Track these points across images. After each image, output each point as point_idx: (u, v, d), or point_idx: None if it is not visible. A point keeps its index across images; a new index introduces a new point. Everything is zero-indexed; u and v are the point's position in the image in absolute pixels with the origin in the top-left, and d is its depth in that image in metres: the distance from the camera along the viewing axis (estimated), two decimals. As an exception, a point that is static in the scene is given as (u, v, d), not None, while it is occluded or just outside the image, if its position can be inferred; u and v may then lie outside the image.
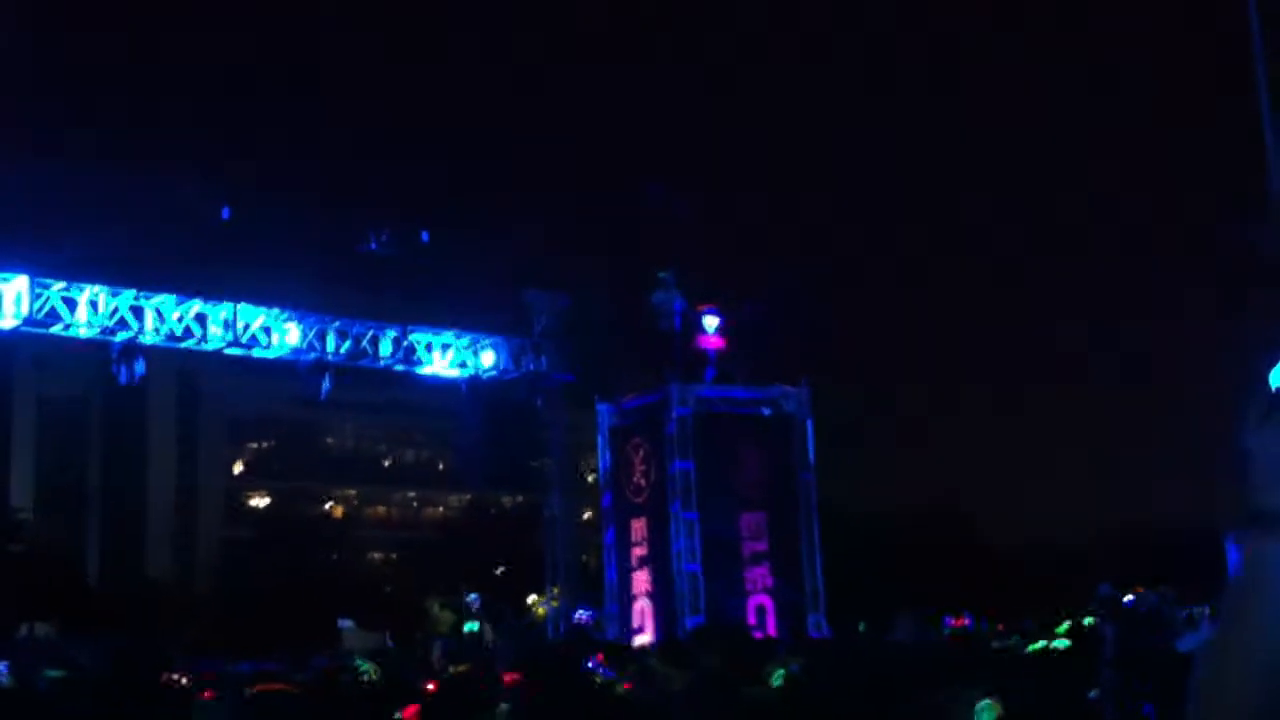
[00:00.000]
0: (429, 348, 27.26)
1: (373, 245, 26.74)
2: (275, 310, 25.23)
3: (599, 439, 28.63)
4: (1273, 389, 2.01)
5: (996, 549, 48.96)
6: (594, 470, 35.22)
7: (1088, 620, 19.27)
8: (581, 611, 28.01)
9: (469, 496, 69.16)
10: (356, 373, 28.87)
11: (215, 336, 24.71)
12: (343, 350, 26.05)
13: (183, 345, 24.98)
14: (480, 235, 35.42)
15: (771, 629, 24.71)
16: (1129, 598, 16.45)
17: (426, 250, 27.70)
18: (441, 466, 74.93)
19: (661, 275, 27.42)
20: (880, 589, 34.25)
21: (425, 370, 27.59)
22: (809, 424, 27.18)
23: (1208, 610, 15.67)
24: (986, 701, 11.22)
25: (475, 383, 28.45)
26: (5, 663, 12.56)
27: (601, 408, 28.42)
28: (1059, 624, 21.66)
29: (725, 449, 26.53)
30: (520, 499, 59.43)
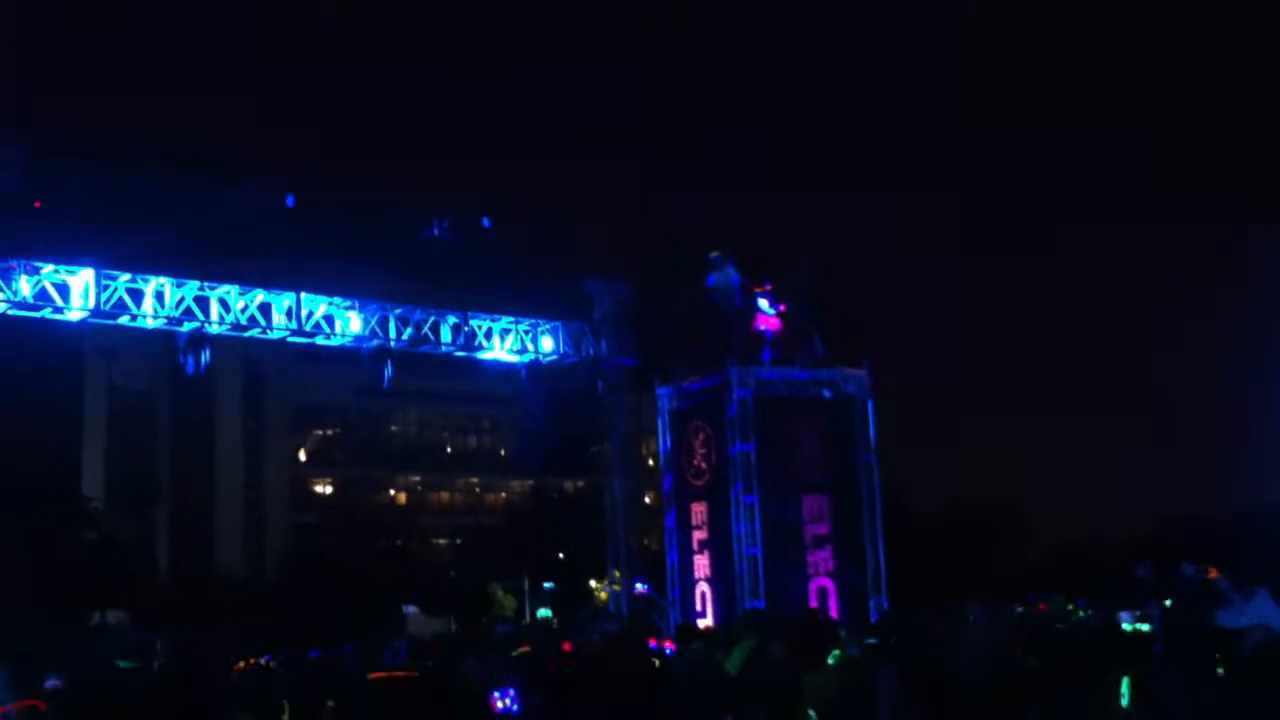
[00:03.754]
0: (489, 333, 27.40)
1: (435, 231, 26.86)
2: (337, 299, 25.46)
3: (659, 422, 28.70)
4: None
5: (1058, 542, 48.61)
6: (655, 454, 35.31)
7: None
8: (639, 585, 28.11)
9: (531, 482, 69.57)
10: (418, 360, 29.09)
11: (279, 325, 24.97)
12: (404, 337, 26.25)
13: (247, 334, 25.27)
14: (541, 224, 35.50)
15: (834, 612, 24.65)
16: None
17: (487, 237, 27.80)
18: (503, 452, 75.41)
19: (712, 256, 27.41)
20: (943, 578, 34.10)
21: (485, 355, 27.74)
22: (870, 405, 27.03)
23: (1266, 590, 15.41)
24: (1125, 679, 11.06)
25: (535, 368, 28.56)
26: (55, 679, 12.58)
27: (661, 391, 28.47)
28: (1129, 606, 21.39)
29: (786, 431, 26.47)
30: (581, 484, 59.67)
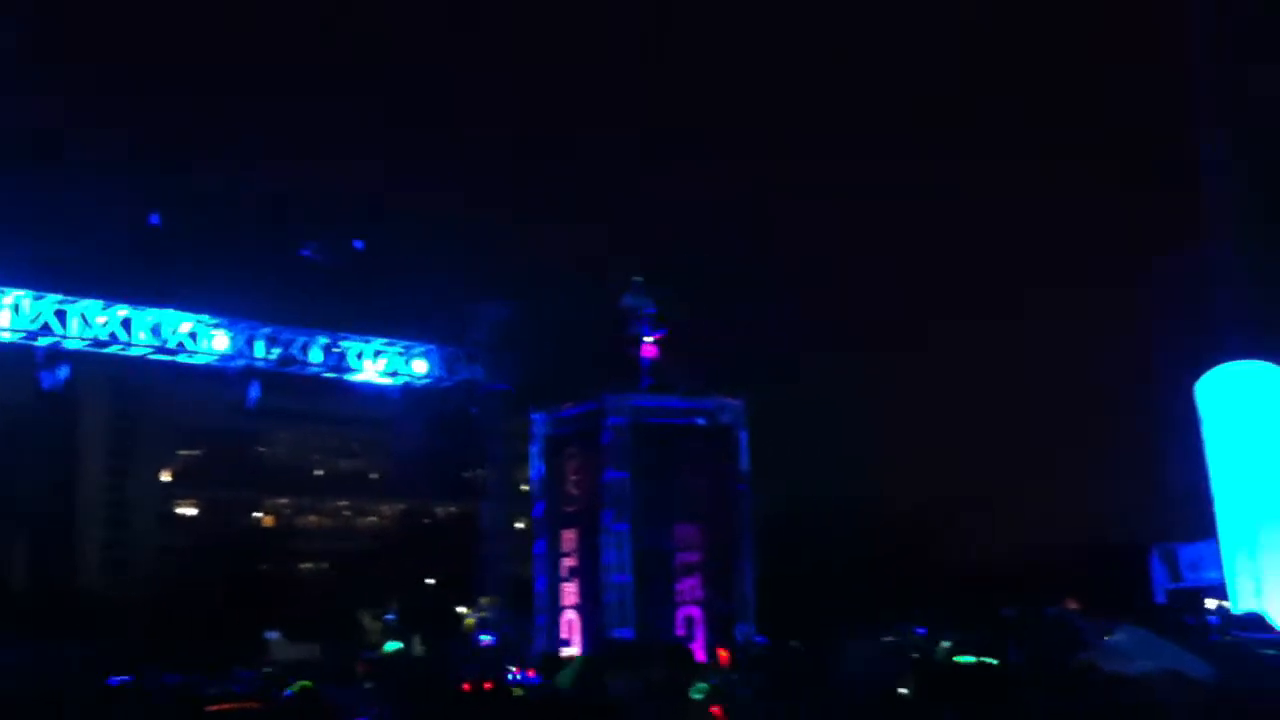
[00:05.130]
0: (360, 355, 26.98)
1: (306, 253, 26.41)
2: (204, 316, 24.87)
3: (532, 448, 28.43)
4: None
5: (948, 563, 49.09)
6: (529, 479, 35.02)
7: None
8: (486, 636, 27.84)
9: (403, 506, 68.68)
10: (290, 382, 28.52)
11: (141, 342, 24.32)
12: (272, 357, 25.71)
13: (108, 350, 24.56)
14: (417, 247, 35.12)
15: (700, 640, 24.59)
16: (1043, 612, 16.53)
17: (361, 259, 27.42)
18: (375, 476, 74.37)
19: (635, 279, 27.42)
20: (824, 601, 34.20)
21: (356, 378, 27.31)
22: (744, 436, 27.10)
23: (1123, 624, 15.70)
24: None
25: (409, 391, 28.18)
26: None
27: (536, 416, 28.24)
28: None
29: (660, 459, 26.39)
30: (454, 508, 59.06)
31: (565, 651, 24.85)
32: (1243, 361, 24.37)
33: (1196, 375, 24.53)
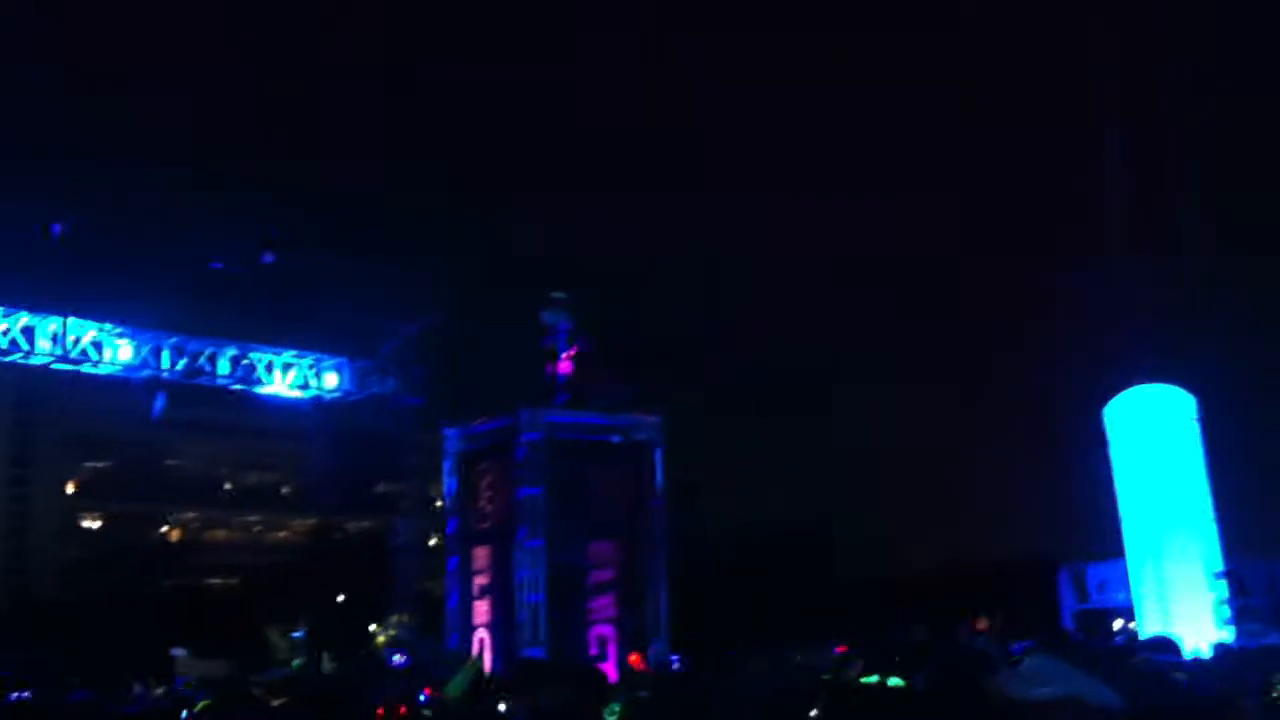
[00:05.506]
0: (269, 367, 26.52)
1: (218, 265, 25.94)
2: (108, 325, 24.30)
3: (444, 463, 28.11)
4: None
5: (853, 580, 49.43)
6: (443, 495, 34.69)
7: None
8: (398, 656, 27.48)
9: (313, 521, 67.85)
10: (199, 393, 27.99)
11: (43, 350, 23.68)
12: (179, 367, 25.19)
13: (8, 359, 23.88)
14: (330, 259, 34.69)
15: (612, 659, 24.42)
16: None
17: (273, 271, 26.96)
18: (286, 490, 73.45)
19: (556, 295, 27.19)
20: (733, 619, 34.25)
21: (265, 390, 26.84)
22: (659, 453, 27.01)
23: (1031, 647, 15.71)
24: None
25: (320, 405, 27.77)
26: None
27: (448, 431, 27.91)
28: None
29: (575, 476, 26.18)
30: (366, 524, 58.41)
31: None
32: (1150, 385, 24.76)
33: (1107, 398, 24.89)
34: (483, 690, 11.88)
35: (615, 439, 26.93)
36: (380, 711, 14.95)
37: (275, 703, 14.08)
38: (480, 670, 12.96)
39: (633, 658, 23.72)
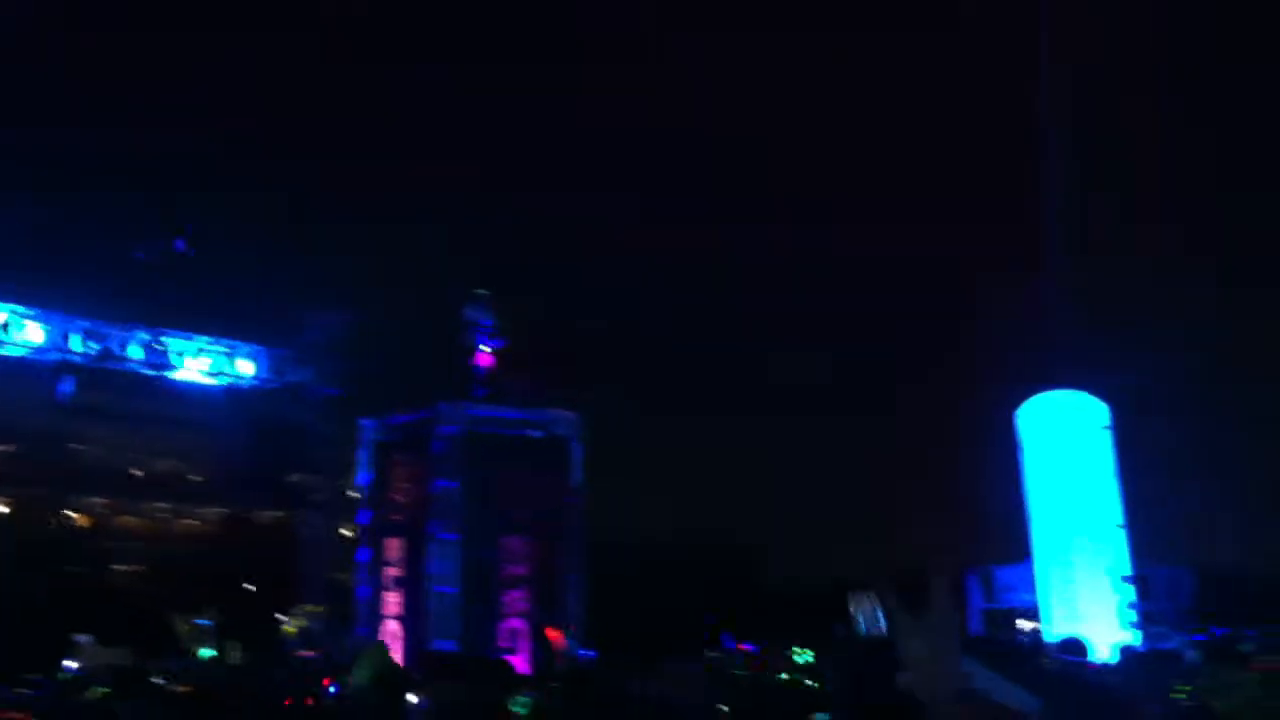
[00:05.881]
0: (182, 353, 26.13)
1: (139, 255, 25.50)
2: (17, 306, 23.78)
3: (360, 455, 27.84)
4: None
5: (770, 582, 49.62)
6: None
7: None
8: (306, 648, 27.22)
9: (223, 510, 66.78)
10: (110, 379, 27.51)
11: (-53, 331, 23.12)
12: (90, 352, 24.70)
13: (-90, 339, 23.30)
14: (248, 246, 34.19)
15: (524, 653, 24.34)
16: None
17: (189, 259, 26.55)
18: (196, 479, 72.31)
19: (478, 291, 27.11)
20: (650, 618, 34.23)
21: (178, 376, 26.43)
22: (577, 448, 26.96)
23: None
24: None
25: (235, 392, 27.38)
26: None
27: (365, 422, 27.66)
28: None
29: (492, 470, 26.06)
30: (277, 514, 57.66)
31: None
32: (1063, 391, 25.13)
33: (1018, 403, 25.23)
34: (389, 682, 11.72)
35: (534, 434, 26.84)
36: (287, 702, 14.74)
37: (179, 690, 13.86)
38: (386, 660, 12.77)
39: (552, 633, 23.71)
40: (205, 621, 26.47)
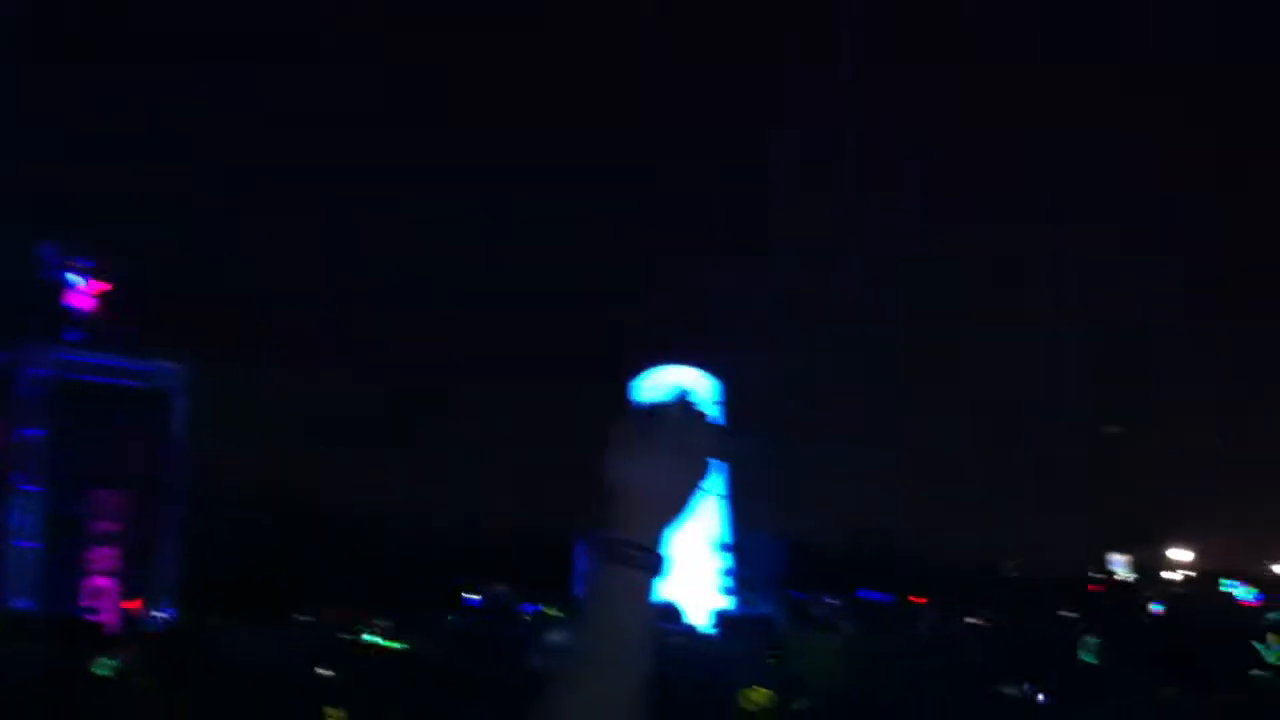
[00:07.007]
0: None
1: None
2: None
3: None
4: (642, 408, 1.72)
5: (384, 547, 48.87)
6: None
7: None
8: None
9: None
10: None
11: None
12: None
13: None
14: None
15: (109, 612, 23.03)
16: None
17: None
18: None
19: (77, 229, 25.36)
20: (255, 580, 33.13)
21: None
22: (182, 402, 25.70)
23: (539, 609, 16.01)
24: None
25: None
26: None
27: (-60, 365, 25.37)
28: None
29: (85, 420, 24.49)
30: None
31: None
32: (676, 364, 25.87)
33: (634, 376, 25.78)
34: None
35: (134, 384, 25.40)
36: None
37: None
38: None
39: (131, 604, 22.77)
40: None
